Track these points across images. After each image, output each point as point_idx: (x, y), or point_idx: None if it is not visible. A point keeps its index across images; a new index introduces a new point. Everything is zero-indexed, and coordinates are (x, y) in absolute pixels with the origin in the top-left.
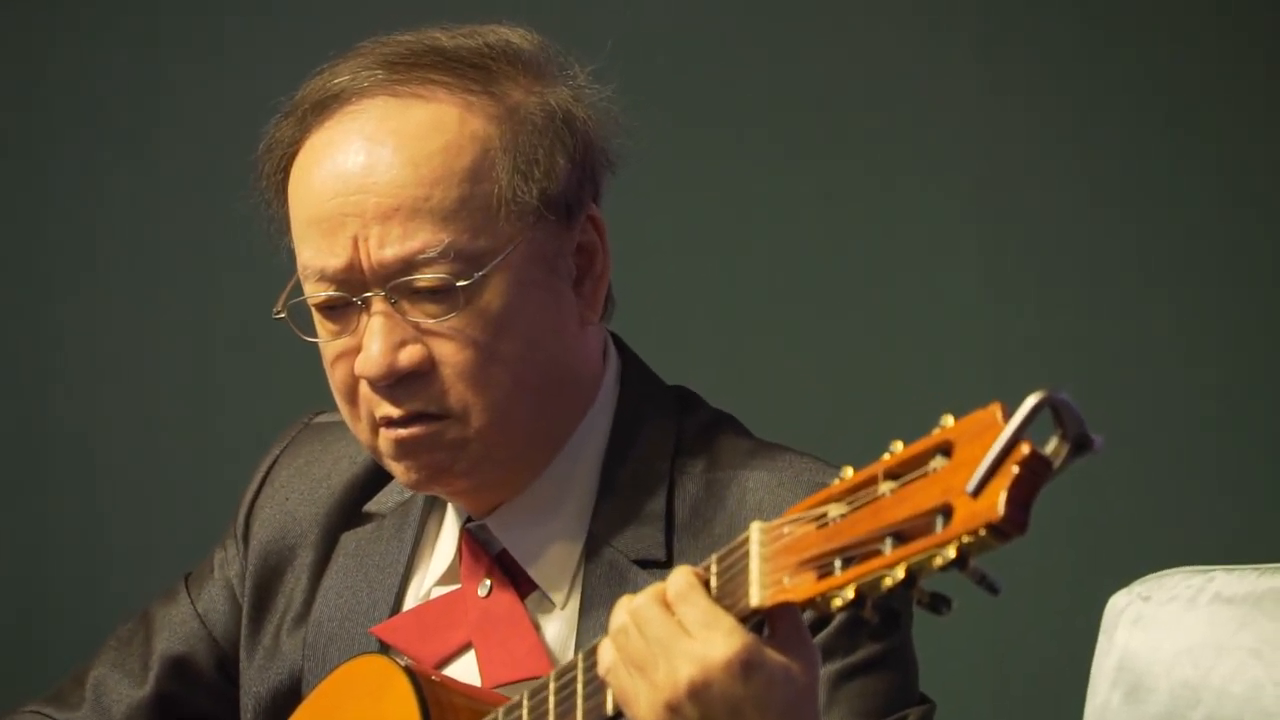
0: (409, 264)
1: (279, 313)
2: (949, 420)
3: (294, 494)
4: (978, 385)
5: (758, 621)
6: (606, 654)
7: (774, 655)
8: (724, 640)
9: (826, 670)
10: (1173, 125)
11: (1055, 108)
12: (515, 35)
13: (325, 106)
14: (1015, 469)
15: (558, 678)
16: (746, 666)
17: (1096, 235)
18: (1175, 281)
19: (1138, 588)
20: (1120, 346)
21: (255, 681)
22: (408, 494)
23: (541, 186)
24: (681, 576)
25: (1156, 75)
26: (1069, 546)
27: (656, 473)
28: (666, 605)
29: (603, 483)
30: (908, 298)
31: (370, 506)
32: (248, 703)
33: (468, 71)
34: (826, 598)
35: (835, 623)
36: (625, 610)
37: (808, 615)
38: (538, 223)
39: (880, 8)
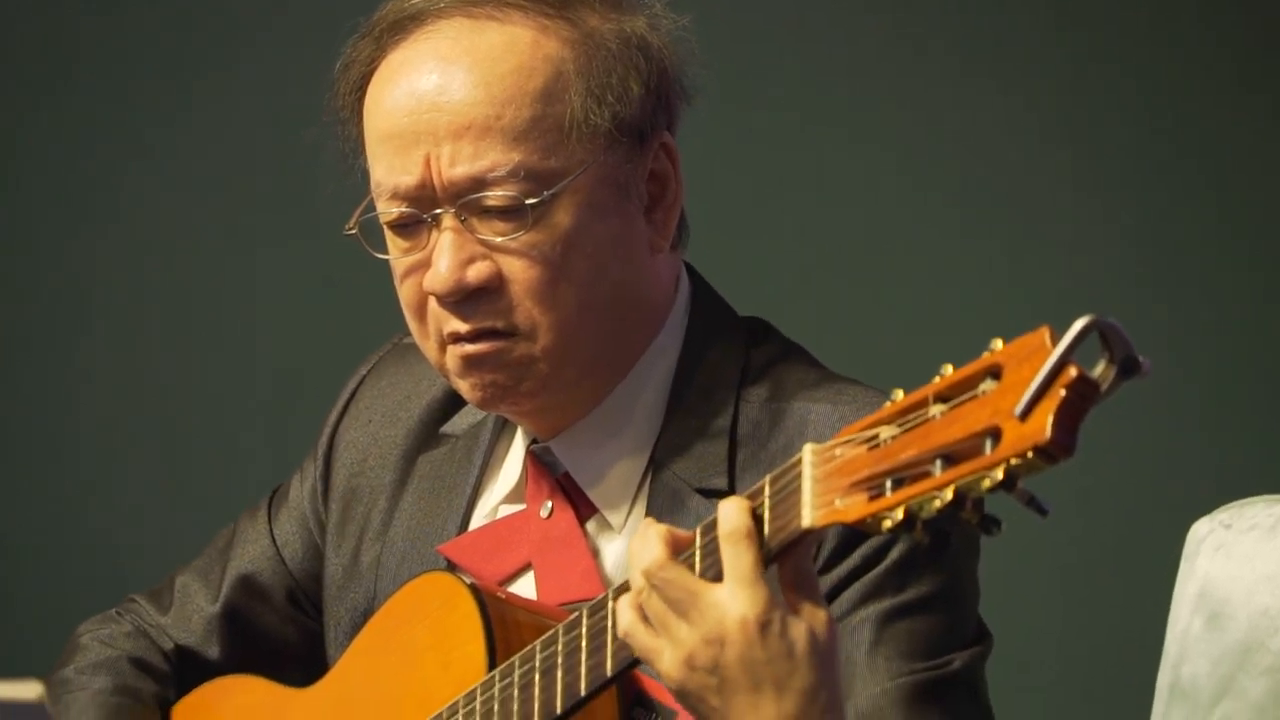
0: (479, 182)
1: (350, 229)
2: (998, 344)
3: (377, 415)
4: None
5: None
6: (624, 615)
7: (793, 619)
8: (744, 598)
9: (875, 609)
10: None
11: None
12: None
13: (402, 27)
14: (1063, 392)
15: (616, 595)
16: (764, 626)
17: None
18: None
19: (1219, 515)
20: (1201, 273)
21: (336, 601)
22: (480, 416)
23: (614, 111)
24: (739, 516)
25: None
26: (1152, 474)
27: (721, 400)
28: (678, 564)
29: (667, 409)
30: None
31: (446, 428)
32: (329, 623)
33: None
34: (877, 518)
35: (885, 563)
36: (639, 571)
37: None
38: (609, 147)
39: None
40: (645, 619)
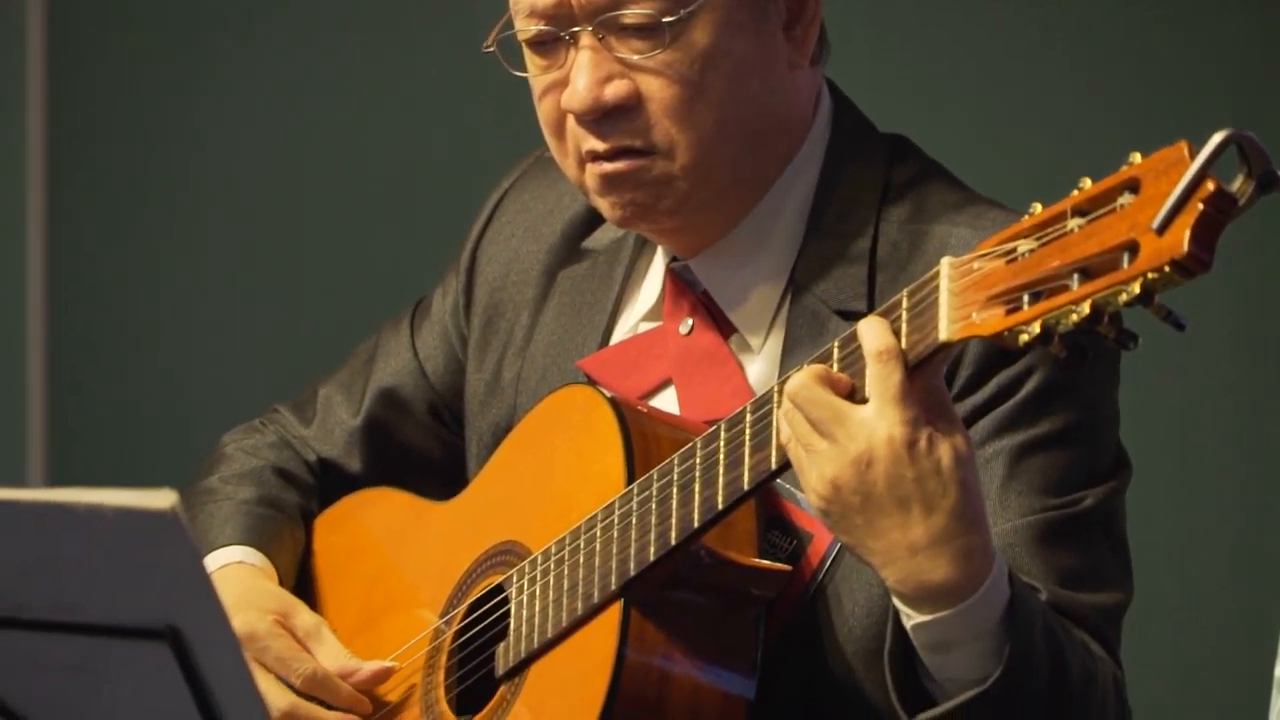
0: (616, 0)
1: (488, 47)
2: (1136, 157)
3: (519, 229)
4: None
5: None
6: (784, 426)
7: (938, 436)
8: (892, 415)
9: (1009, 442)
10: None
11: None
12: None
13: None
14: (1200, 206)
15: (755, 409)
16: (911, 445)
17: None
18: None
19: None
20: None
21: (478, 416)
22: (621, 231)
23: None
24: (881, 336)
25: None
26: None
27: (861, 221)
28: (827, 382)
29: (807, 229)
30: None
31: (588, 243)
32: (471, 438)
33: None
34: (1014, 332)
35: (1020, 394)
36: (785, 395)
37: (996, 385)
38: None
39: None
40: (795, 436)
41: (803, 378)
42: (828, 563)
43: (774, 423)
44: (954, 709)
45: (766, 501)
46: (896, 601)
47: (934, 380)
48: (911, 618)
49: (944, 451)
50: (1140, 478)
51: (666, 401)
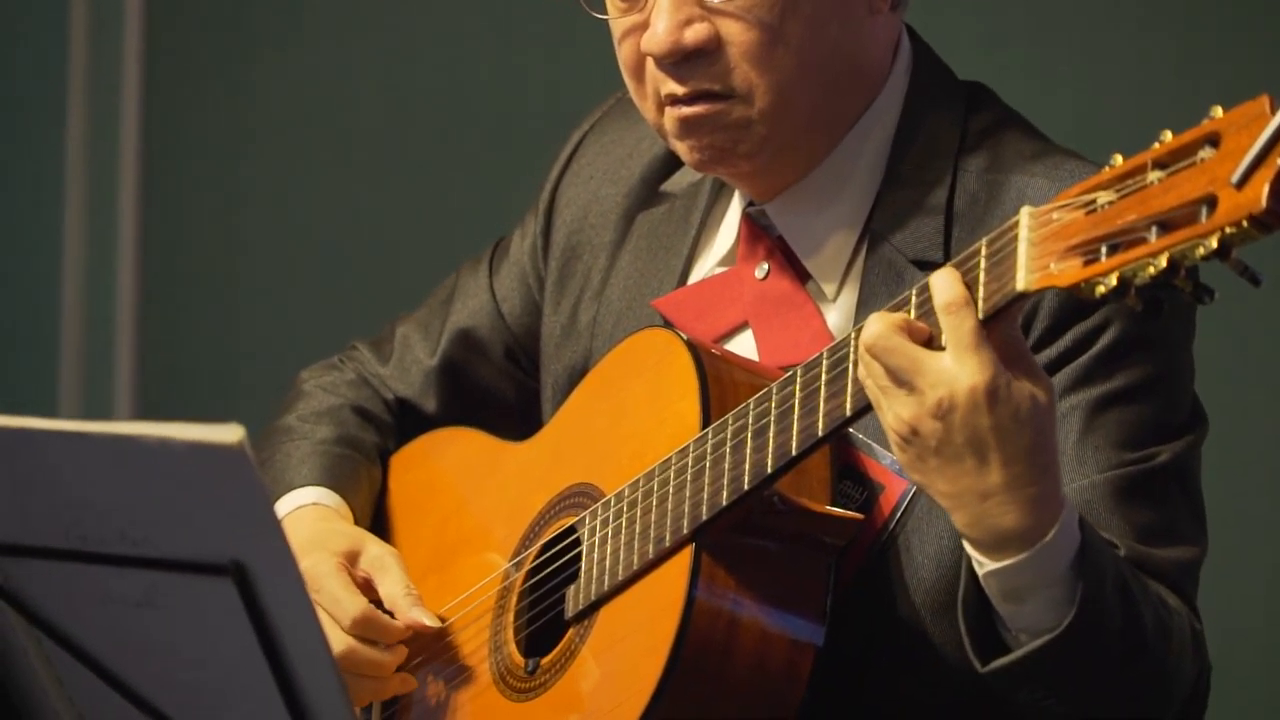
0: None
1: None
2: (1218, 111)
3: (598, 172)
4: None
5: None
6: (862, 374)
7: (1019, 385)
8: (976, 366)
9: (1085, 396)
10: None
11: None
12: None
13: None
14: None
15: (831, 354)
16: (991, 395)
17: None
18: None
19: None
20: None
21: (553, 359)
22: (699, 175)
23: None
24: (952, 286)
25: None
26: None
27: (938, 169)
28: (909, 331)
29: (884, 176)
30: None
31: (666, 186)
32: (546, 380)
33: None
34: (1091, 283)
35: (1096, 347)
36: (862, 343)
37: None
38: None
39: None
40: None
41: (880, 327)
42: (899, 513)
43: (849, 369)
44: (1028, 654)
45: (840, 451)
46: (968, 548)
47: (1011, 330)
48: (984, 565)
49: (1022, 399)
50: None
51: (743, 344)
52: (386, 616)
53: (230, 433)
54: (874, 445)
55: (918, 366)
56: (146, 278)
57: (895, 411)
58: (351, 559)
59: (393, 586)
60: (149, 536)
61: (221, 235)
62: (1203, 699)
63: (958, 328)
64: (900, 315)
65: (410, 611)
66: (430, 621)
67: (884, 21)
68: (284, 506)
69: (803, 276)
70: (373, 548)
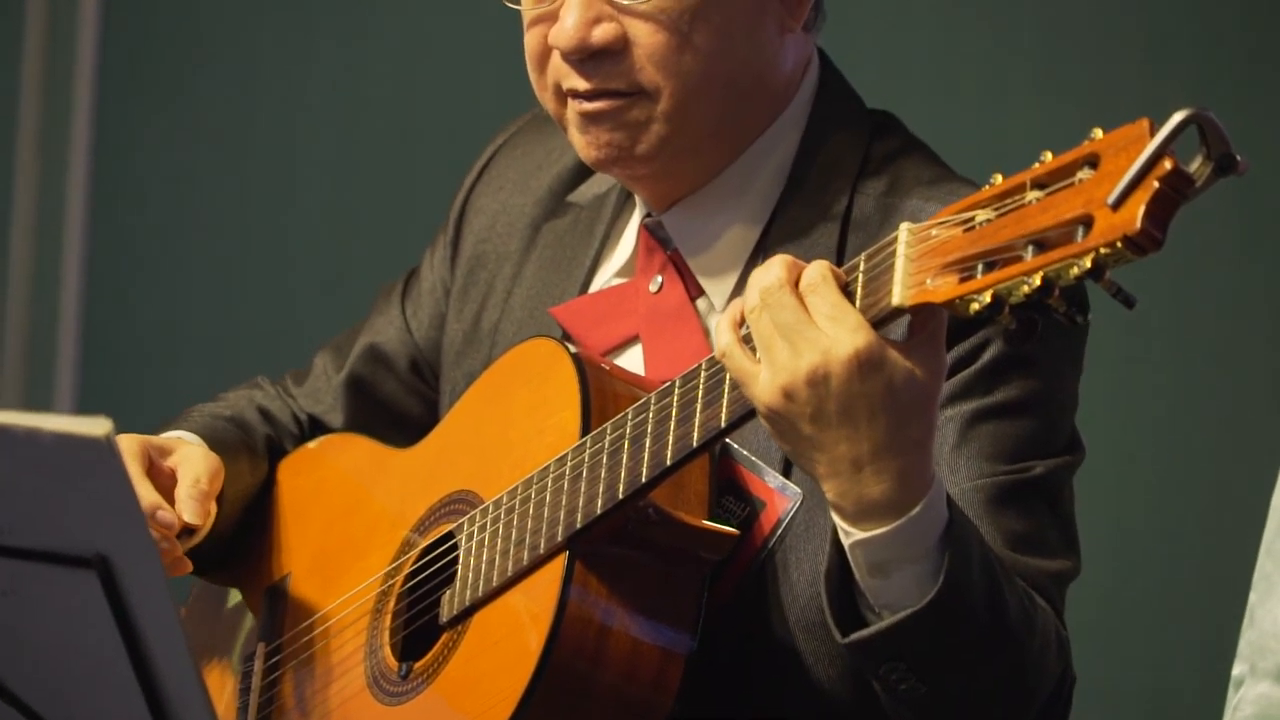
0: None
1: None
2: (1098, 132)
3: (508, 182)
4: None
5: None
6: (724, 335)
7: (896, 358)
8: (849, 335)
9: (962, 409)
10: None
11: None
12: None
13: None
14: (1156, 184)
15: (709, 366)
16: (867, 364)
17: None
18: None
19: None
20: None
21: (454, 365)
22: (605, 187)
23: None
24: (816, 268)
25: None
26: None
27: (837, 189)
28: (797, 293)
29: (783, 192)
30: None
31: (572, 197)
32: (445, 388)
33: None
34: (965, 300)
35: (977, 364)
36: (756, 289)
37: (954, 355)
38: None
39: None
40: (746, 342)
41: (780, 278)
42: (779, 531)
43: (725, 381)
44: (890, 625)
45: (722, 466)
46: (836, 518)
47: (932, 328)
48: (850, 535)
49: (896, 371)
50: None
51: (633, 357)
52: (168, 508)
53: (98, 425)
54: (758, 462)
55: (803, 326)
56: (91, 280)
57: (769, 377)
58: (163, 453)
59: (182, 482)
60: (14, 526)
61: (171, 233)
62: (1065, 704)
63: (821, 301)
64: (794, 262)
65: (183, 504)
66: (191, 519)
67: (795, 40)
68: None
69: (696, 290)
70: (186, 448)
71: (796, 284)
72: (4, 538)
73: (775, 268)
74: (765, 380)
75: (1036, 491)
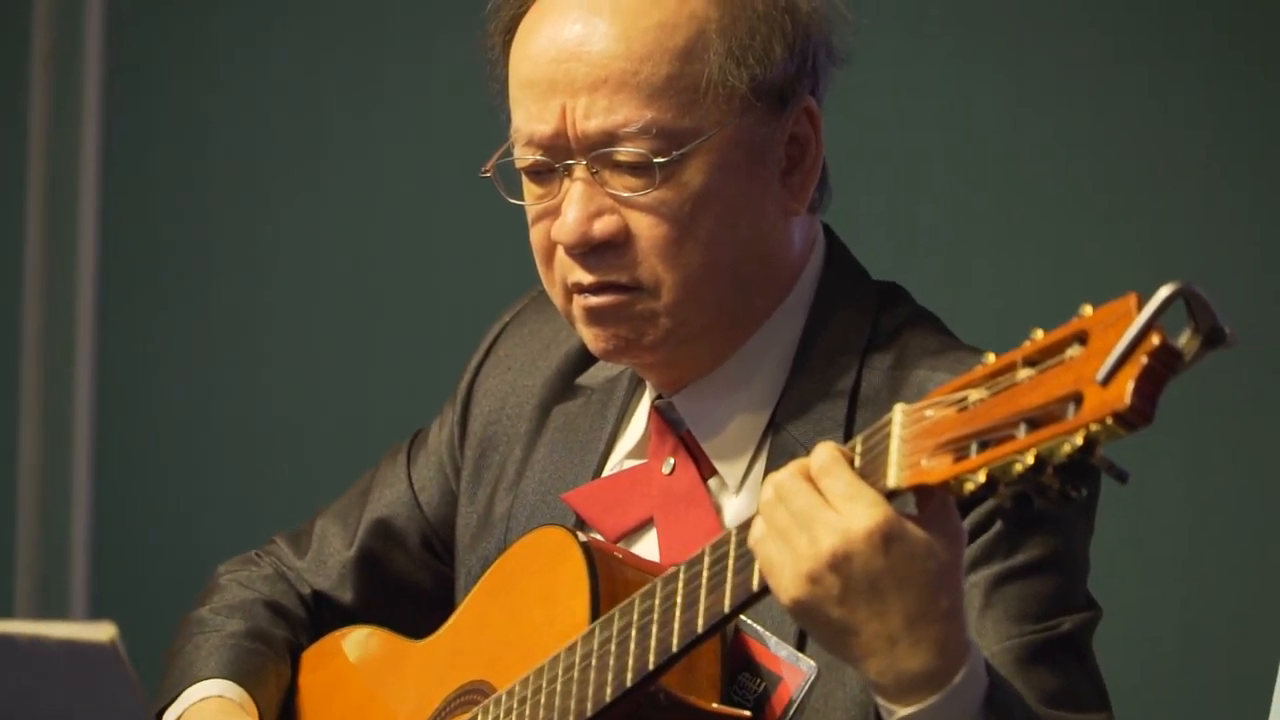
0: (611, 136)
1: (486, 172)
2: (1087, 309)
3: (516, 363)
4: None
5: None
6: (757, 527)
7: (915, 530)
8: (866, 512)
9: (984, 574)
10: None
11: None
12: None
13: None
14: (1144, 359)
15: (713, 551)
16: (887, 539)
17: None
18: None
19: None
20: None
21: (469, 550)
22: (616, 370)
23: (753, 73)
24: (825, 450)
25: None
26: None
27: (845, 365)
28: (810, 479)
29: (791, 370)
30: None
31: (582, 380)
32: (461, 572)
33: None
34: (960, 480)
35: (994, 528)
36: (771, 484)
37: (970, 521)
38: (746, 110)
39: None
40: (770, 533)
41: (790, 470)
42: (794, 706)
43: (730, 565)
44: None
45: (737, 645)
46: (878, 699)
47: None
48: (894, 713)
49: (916, 542)
50: None
51: (649, 542)
52: None
53: (102, 631)
54: (771, 637)
55: (815, 512)
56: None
57: (794, 567)
58: None
59: None
60: None
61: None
62: None
63: (834, 482)
64: (804, 460)
65: None
66: None
67: (800, 222)
68: (190, 698)
69: (709, 471)
70: None
71: (807, 470)
72: None
73: (789, 464)
74: (791, 568)
75: (1066, 648)
